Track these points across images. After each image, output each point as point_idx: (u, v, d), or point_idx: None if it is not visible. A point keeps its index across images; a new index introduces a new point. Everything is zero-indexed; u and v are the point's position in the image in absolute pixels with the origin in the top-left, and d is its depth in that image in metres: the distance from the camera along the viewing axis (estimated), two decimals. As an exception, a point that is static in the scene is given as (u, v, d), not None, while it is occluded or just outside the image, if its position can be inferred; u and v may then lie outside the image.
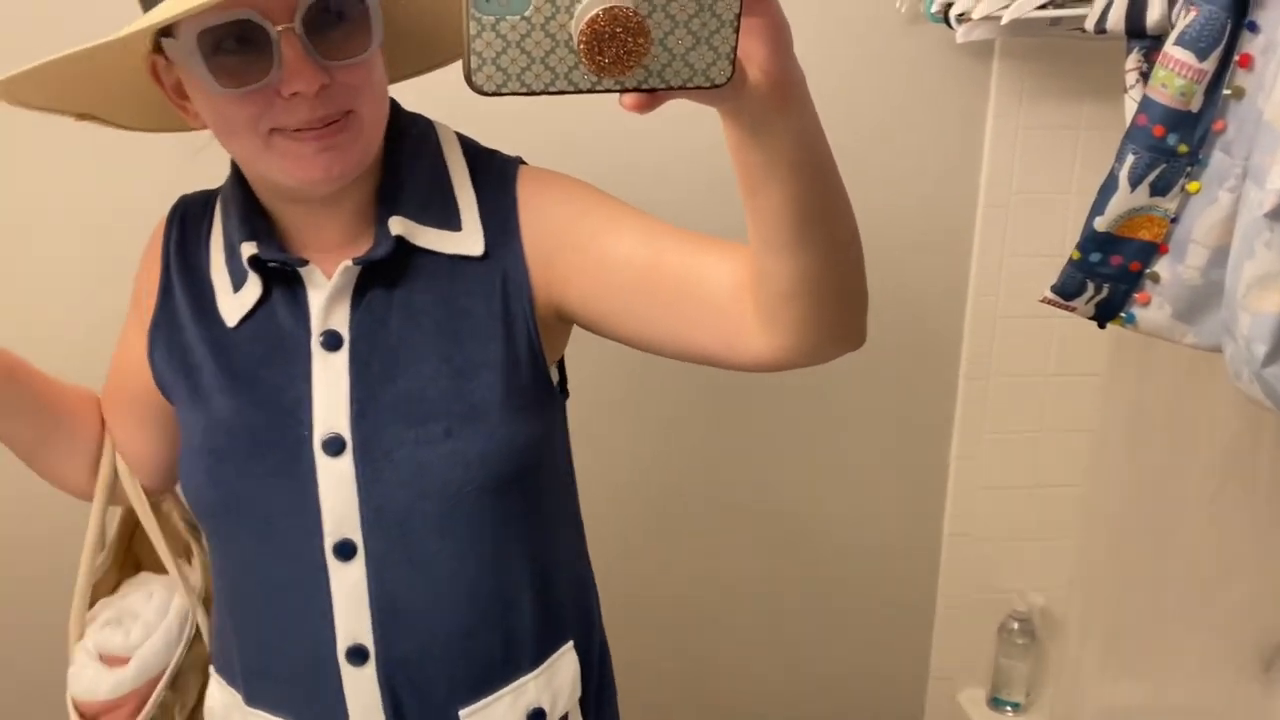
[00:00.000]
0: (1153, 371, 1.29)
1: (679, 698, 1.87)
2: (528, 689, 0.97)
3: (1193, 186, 1.09)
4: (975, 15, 1.30)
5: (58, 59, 0.81)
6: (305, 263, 0.91)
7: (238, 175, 0.95)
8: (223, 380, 0.93)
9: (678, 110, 0.69)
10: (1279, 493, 1.20)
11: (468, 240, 0.92)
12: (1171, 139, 1.07)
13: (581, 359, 1.15)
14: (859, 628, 1.89)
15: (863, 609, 1.88)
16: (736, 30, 0.55)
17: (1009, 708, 1.83)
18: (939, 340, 1.74)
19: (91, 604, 1.10)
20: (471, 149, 0.98)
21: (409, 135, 0.95)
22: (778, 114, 0.66)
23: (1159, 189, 1.10)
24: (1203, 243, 1.09)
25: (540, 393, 0.95)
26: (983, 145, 1.64)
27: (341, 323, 0.91)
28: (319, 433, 0.91)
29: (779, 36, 0.62)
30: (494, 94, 0.53)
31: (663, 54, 0.54)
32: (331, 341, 0.91)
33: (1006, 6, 1.27)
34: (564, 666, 1.00)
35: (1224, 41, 1.02)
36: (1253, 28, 1.01)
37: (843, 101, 1.58)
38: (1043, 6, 1.27)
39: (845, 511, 1.81)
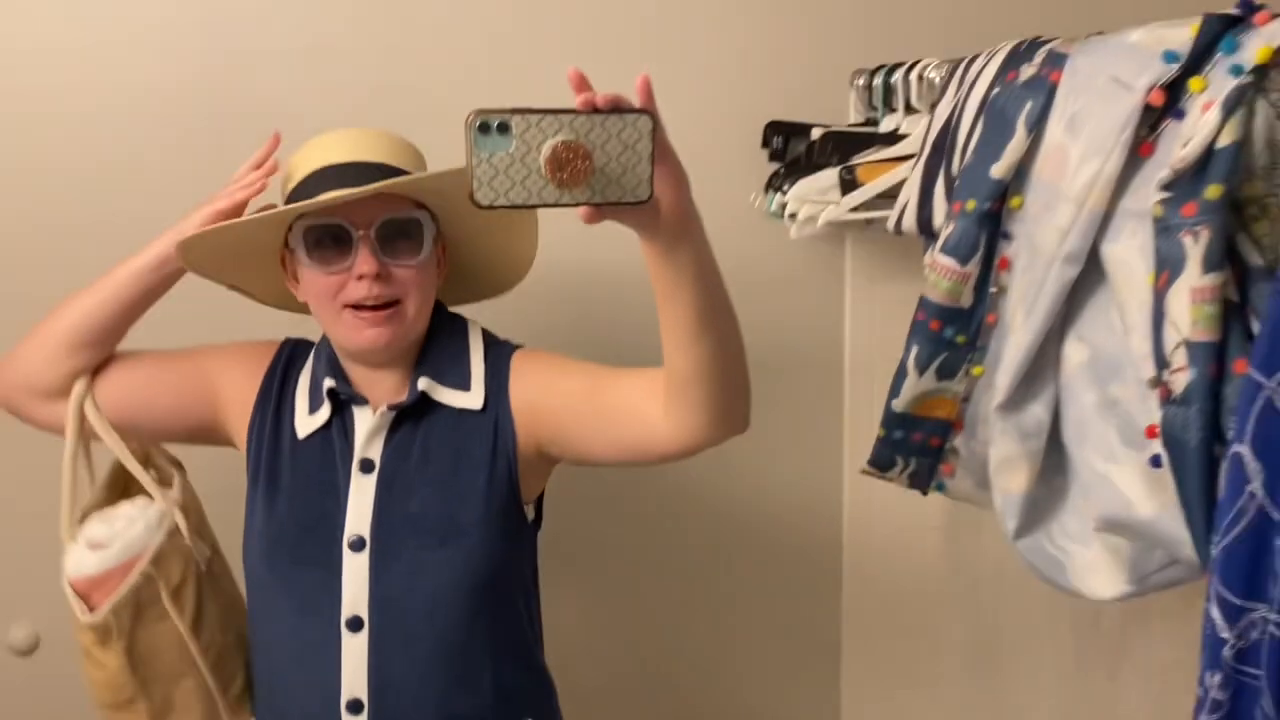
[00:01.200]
0: (977, 535, 1.40)
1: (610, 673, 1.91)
2: None
3: (977, 370, 1.23)
4: (801, 217, 1.47)
5: (227, 225, 1.19)
6: (365, 401, 1.24)
7: (327, 340, 1.28)
8: (291, 481, 1.25)
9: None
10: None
11: (473, 398, 1.25)
12: (948, 331, 1.21)
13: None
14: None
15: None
16: (651, 163, 0.83)
17: None
18: (821, 499, 1.85)
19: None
20: (488, 337, 1.31)
21: (444, 323, 1.29)
22: (682, 238, 0.95)
23: (945, 373, 1.24)
24: (989, 420, 1.22)
25: (513, 517, 1.24)
26: (844, 323, 1.79)
27: (375, 452, 1.23)
28: (348, 533, 1.21)
29: (681, 179, 0.91)
30: (489, 208, 0.80)
31: (602, 178, 0.82)
32: (366, 466, 1.23)
33: (824, 209, 1.44)
34: None
35: (982, 248, 1.17)
36: (1006, 236, 1.16)
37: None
38: (855, 209, 1.43)
39: (750, 679, 1.89)
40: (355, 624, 1.20)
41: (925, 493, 1.35)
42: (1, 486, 1.66)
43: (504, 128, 0.78)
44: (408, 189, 1.18)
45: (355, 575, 1.20)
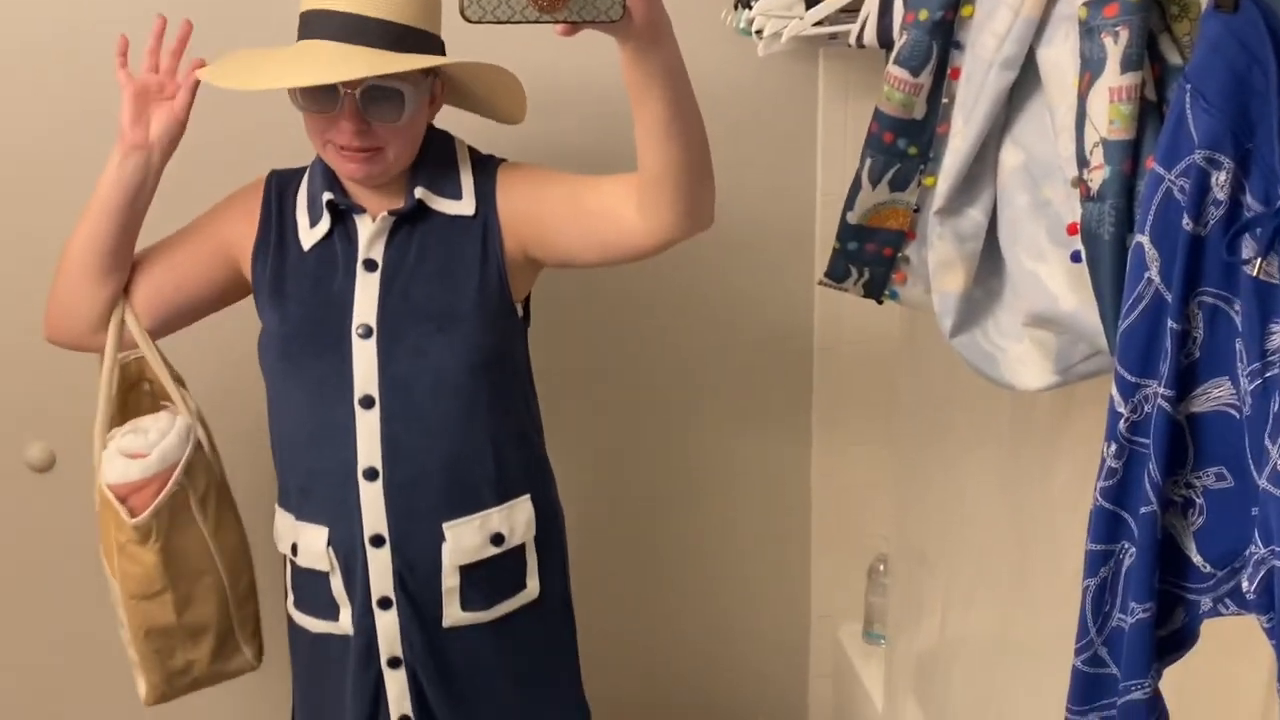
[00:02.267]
0: (933, 342, 1.47)
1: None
2: (491, 518, 1.40)
3: (929, 181, 1.26)
4: (766, 33, 1.48)
5: (250, 88, 1.31)
6: (363, 210, 1.37)
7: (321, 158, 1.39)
8: (298, 287, 1.39)
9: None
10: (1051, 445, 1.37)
11: (464, 206, 1.38)
12: (901, 143, 1.25)
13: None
14: (746, 580, 2.08)
15: (747, 559, 2.07)
16: None
17: (879, 640, 2.03)
18: (793, 311, 1.93)
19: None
20: (474, 153, 1.44)
21: (434, 141, 1.40)
22: (652, 46, 1.10)
23: (898, 185, 1.28)
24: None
25: (504, 312, 1.39)
26: (816, 139, 1.82)
27: (378, 253, 1.37)
28: (356, 323, 1.36)
29: None
30: (477, 22, 0.92)
31: (579, 1, 0.94)
32: (370, 265, 1.37)
33: (787, 25, 1.45)
34: (521, 510, 1.42)
35: (934, 59, 1.19)
36: (958, 45, 1.18)
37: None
38: (819, 24, 1.44)
39: (725, 475, 2.01)
40: (367, 402, 1.35)
41: (880, 301, 1.41)
42: (21, 318, 1.73)
43: None
44: (388, 80, 1.26)
45: (365, 359, 1.35)
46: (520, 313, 1.45)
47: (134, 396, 1.47)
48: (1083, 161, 0.93)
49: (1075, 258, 0.97)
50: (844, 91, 1.79)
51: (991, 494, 1.38)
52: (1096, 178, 0.90)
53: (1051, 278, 1.03)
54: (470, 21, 0.91)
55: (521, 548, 1.43)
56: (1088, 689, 0.94)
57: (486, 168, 1.42)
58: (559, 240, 1.37)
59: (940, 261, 1.14)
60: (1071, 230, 0.97)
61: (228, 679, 1.52)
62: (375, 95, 1.28)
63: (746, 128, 1.79)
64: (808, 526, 2.06)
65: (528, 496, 1.43)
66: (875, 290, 1.39)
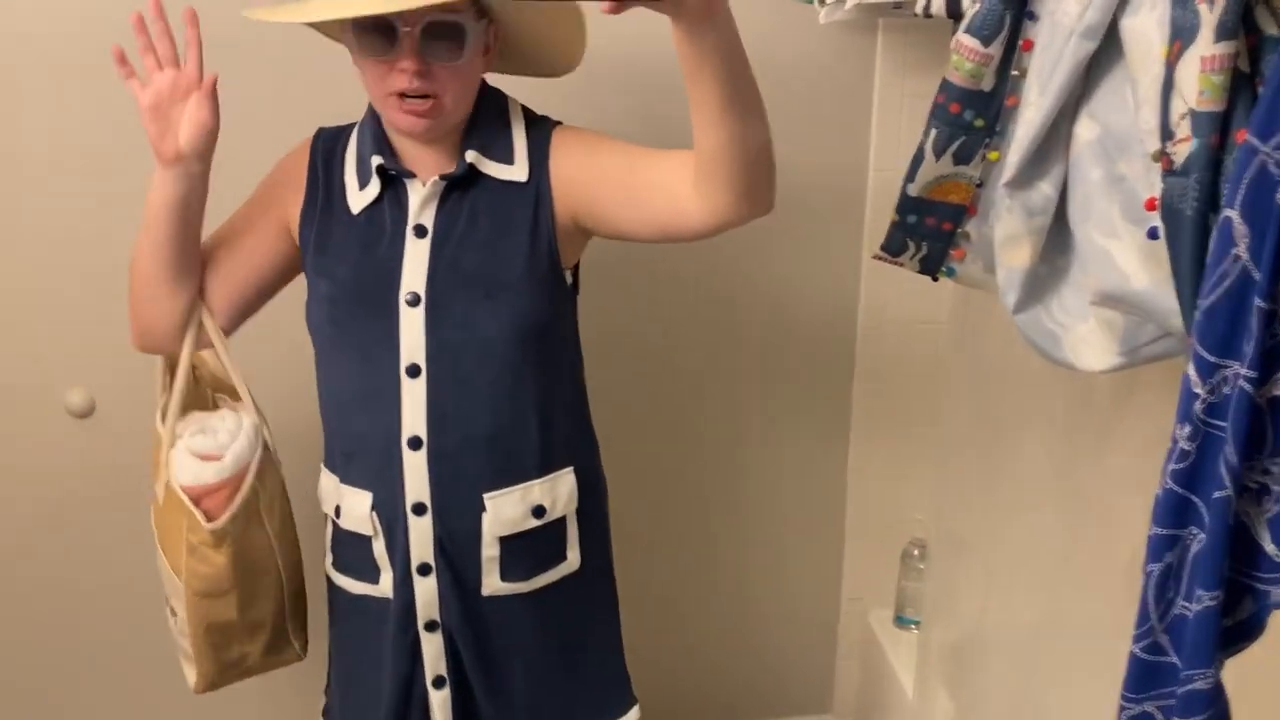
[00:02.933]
0: (988, 317, 1.44)
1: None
2: (534, 490, 1.38)
3: (993, 156, 1.24)
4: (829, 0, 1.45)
5: (301, 20, 1.26)
6: (414, 175, 1.33)
7: (375, 115, 1.35)
8: (347, 251, 1.35)
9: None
10: (1109, 426, 1.34)
11: (517, 170, 1.34)
12: (968, 115, 1.22)
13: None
14: (778, 554, 2.07)
15: (782, 539, 2.06)
16: None
17: (911, 625, 2.01)
18: (837, 292, 1.90)
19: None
20: (528, 114, 1.40)
21: (487, 100, 1.36)
22: (706, 22, 1.04)
23: (961, 158, 1.25)
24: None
25: (553, 279, 1.36)
26: (871, 112, 1.78)
27: (428, 219, 1.33)
28: (404, 290, 1.32)
29: None
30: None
31: None
32: (420, 231, 1.33)
33: (854, -8, 1.42)
34: (563, 483, 1.40)
35: (1006, 28, 1.16)
36: (1031, 16, 1.15)
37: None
38: (884, -8, 1.41)
39: (763, 455, 1.99)
40: (414, 370, 1.33)
41: (935, 278, 1.38)
42: (59, 263, 1.73)
43: None
44: (448, 13, 1.22)
45: (412, 327, 1.32)
46: (569, 280, 1.42)
47: (194, 390, 1.44)
48: (1167, 134, 0.90)
49: (1152, 234, 0.94)
50: (901, 67, 1.75)
51: (1042, 477, 1.35)
52: (1182, 150, 0.87)
53: (1123, 255, 1.00)
54: None
55: (563, 520, 1.42)
56: (1145, 677, 0.92)
57: (541, 131, 1.38)
58: (612, 213, 1.32)
59: (1007, 235, 1.11)
60: (1149, 206, 0.94)
61: (274, 669, 1.51)
62: (435, 32, 1.23)
63: (800, 100, 1.76)
64: (842, 508, 2.04)
65: (571, 468, 1.41)
66: (932, 266, 1.36)
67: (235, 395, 1.44)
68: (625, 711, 1.53)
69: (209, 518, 1.35)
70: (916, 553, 1.98)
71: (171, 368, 1.42)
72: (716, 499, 2.01)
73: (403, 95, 1.26)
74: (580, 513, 1.43)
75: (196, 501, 1.35)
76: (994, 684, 1.58)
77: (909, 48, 1.73)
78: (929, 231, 1.32)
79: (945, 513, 1.71)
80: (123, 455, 1.77)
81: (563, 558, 1.43)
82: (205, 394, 1.46)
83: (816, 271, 1.89)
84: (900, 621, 2.03)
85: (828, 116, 1.79)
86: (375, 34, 1.23)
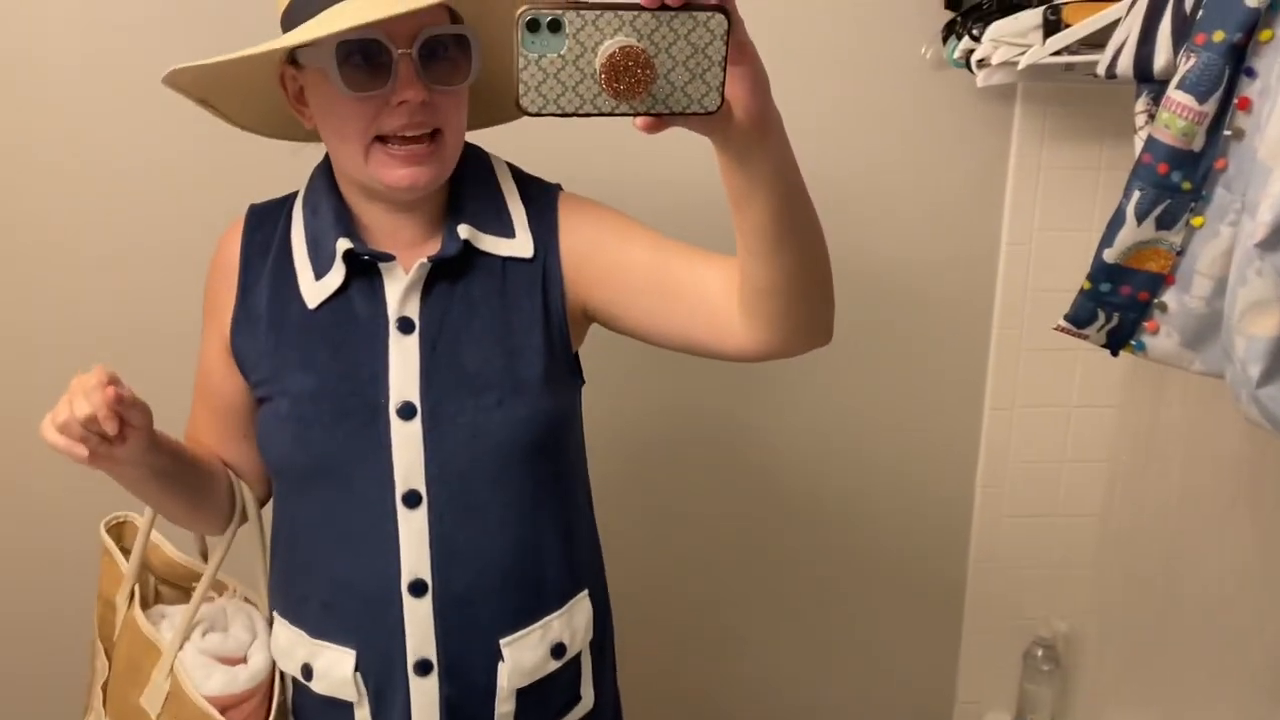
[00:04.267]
0: (1164, 400, 1.34)
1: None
2: (553, 626, 1.15)
3: (1197, 221, 1.16)
4: (994, 61, 1.38)
5: (220, 60, 1.00)
6: (393, 257, 1.08)
7: (329, 182, 1.12)
8: (309, 356, 1.09)
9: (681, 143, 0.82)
10: None
11: (520, 245, 1.12)
12: (1175, 176, 1.14)
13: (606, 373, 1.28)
14: (888, 652, 1.93)
15: (891, 634, 1.93)
16: (724, 69, 0.70)
17: (1033, 732, 1.87)
18: (965, 371, 1.80)
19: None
20: (518, 174, 1.17)
21: (469, 160, 1.13)
22: (757, 146, 0.82)
23: (1164, 223, 1.17)
24: (1206, 274, 1.16)
25: (567, 373, 1.15)
26: (1005, 184, 1.71)
27: (413, 310, 1.09)
28: (394, 400, 1.08)
29: (759, 82, 0.78)
30: (537, 114, 0.69)
31: (666, 85, 0.70)
32: (405, 326, 1.09)
33: (1023, 53, 1.35)
34: (580, 611, 1.19)
35: (1223, 86, 1.09)
36: (1250, 73, 1.08)
37: (874, 141, 1.66)
38: (1057, 54, 1.34)
39: (873, 538, 1.87)
40: (412, 499, 1.08)
41: (1116, 353, 1.29)
42: (104, 303, 1.65)
43: (556, 25, 0.67)
44: (453, 24, 1.02)
45: (407, 446, 1.08)
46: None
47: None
48: None
49: None
50: (1039, 137, 1.69)
51: (1245, 573, 1.23)
52: None
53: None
54: (528, 114, 0.69)
55: (577, 655, 1.19)
56: None
57: (542, 197, 1.15)
58: (633, 318, 1.10)
59: (1254, 301, 1.01)
60: None
61: None
62: (436, 48, 1.01)
63: (932, 169, 1.70)
64: (960, 602, 1.91)
65: (586, 592, 1.20)
66: (1120, 339, 1.27)
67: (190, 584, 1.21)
68: None
69: None
70: (1041, 653, 1.85)
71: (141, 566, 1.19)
72: (820, 593, 1.89)
73: (388, 139, 1.03)
74: (593, 645, 1.21)
75: (223, 710, 1.14)
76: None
77: (1047, 118, 1.67)
78: (1123, 301, 1.23)
79: (1097, 609, 1.59)
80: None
81: (578, 699, 1.21)
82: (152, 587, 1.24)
83: (941, 345, 1.79)
84: (1021, 727, 1.89)
85: (961, 186, 1.72)
86: (359, 63, 0.99)
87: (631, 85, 0.68)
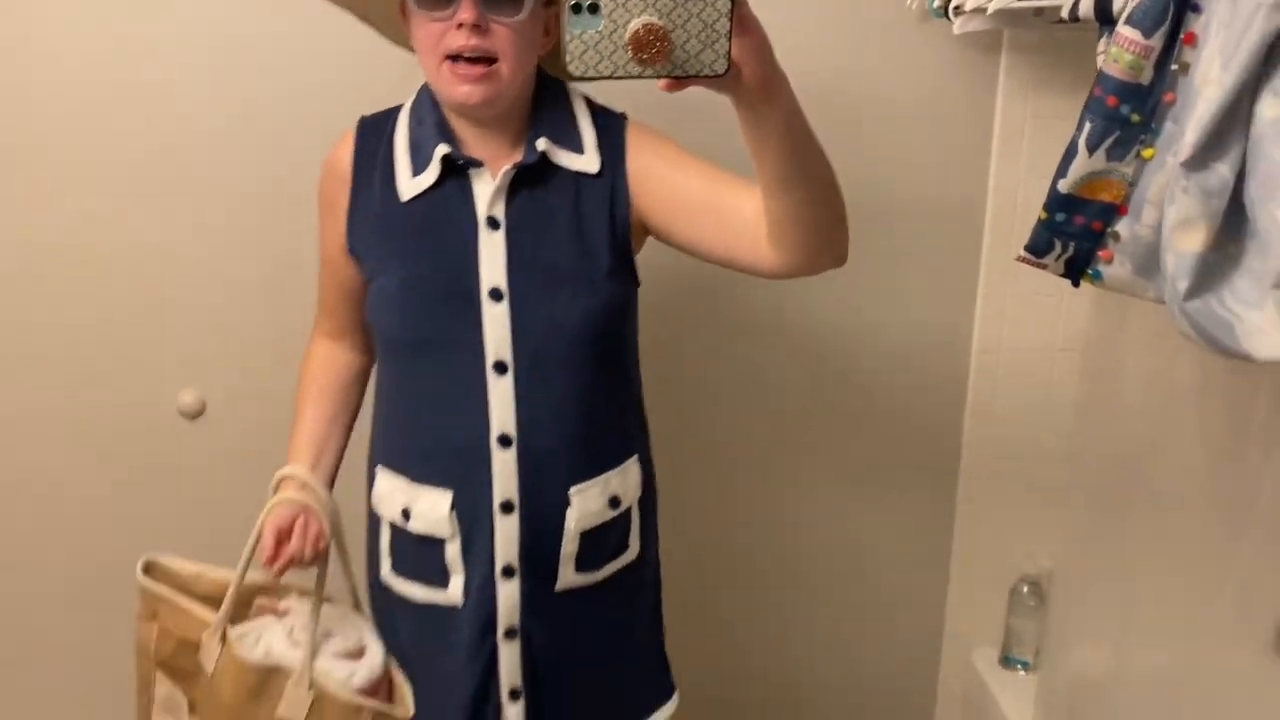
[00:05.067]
0: (1127, 341, 1.40)
1: (692, 657, 2.01)
2: (611, 481, 1.38)
3: (1147, 153, 1.21)
4: (967, 7, 1.44)
5: None
6: (482, 164, 1.29)
7: (432, 99, 1.32)
8: (409, 243, 1.31)
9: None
10: (1266, 456, 1.28)
11: (589, 162, 1.32)
12: (1124, 109, 1.20)
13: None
14: (877, 589, 2.01)
15: (881, 573, 2.00)
16: (729, 39, 0.89)
17: (1019, 665, 1.93)
18: (950, 322, 1.86)
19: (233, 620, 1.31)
20: (591, 103, 1.37)
21: (548, 87, 1.34)
22: (765, 104, 1.00)
23: (1115, 155, 1.22)
24: (1155, 203, 1.21)
25: (627, 275, 1.35)
26: (992, 133, 1.77)
27: (499, 211, 1.30)
28: (485, 285, 1.29)
29: (762, 49, 0.96)
30: (580, 78, 0.88)
31: (682, 54, 0.88)
32: (492, 224, 1.30)
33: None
34: (632, 471, 1.41)
35: (1169, 21, 1.14)
36: (1195, 8, 1.13)
37: (863, 91, 1.73)
38: (1026, -2, 1.40)
39: (866, 484, 1.94)
40: (500, 368, 1.30)
41: (1077, 283, 1.35)
42: (176, 267, 1.76)
43: (594, 8, 0.85)
44: None
45: (496, 324, 1.29)
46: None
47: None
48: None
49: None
50: (1025, 87, 1.74)
51: (1187, 507, 1.29)
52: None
53: (1312, 235, 0.96)
54: (575, 78, 0.88)
55: (629, 509, 1.41)
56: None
57: (612, 123, 1.35)
58: (688, 231, 1.30)
59: (1181, 219, 1.07)
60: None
61: None
62: None
63: (921, 118, 1.76)
64: (949, 541, 1.98)
65: (635, 457, 1.42)
66: (1078, 268, 1.33)
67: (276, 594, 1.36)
68: (668, 699, 1.52)
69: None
70: (1027, 589, 1.91)
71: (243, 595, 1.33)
72: (813, 524, 1.96)
73: (457, 59, 1.22)
74: (640, 501, 1.43)
75: (372, 695, 1.31)
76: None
77: (1034, 67, 1.72)
78: (1077, 231, 1.29)
79: (1075, 542, 1.65)
80: (232, 455, 1.78)
81: (626, 547, 1.43)
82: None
83: (932, 288, 1.86)
84: (1008, 662, 1.96)
85: (949, 134, 1.78)
86: None
87: (654, 54, 0.86)
